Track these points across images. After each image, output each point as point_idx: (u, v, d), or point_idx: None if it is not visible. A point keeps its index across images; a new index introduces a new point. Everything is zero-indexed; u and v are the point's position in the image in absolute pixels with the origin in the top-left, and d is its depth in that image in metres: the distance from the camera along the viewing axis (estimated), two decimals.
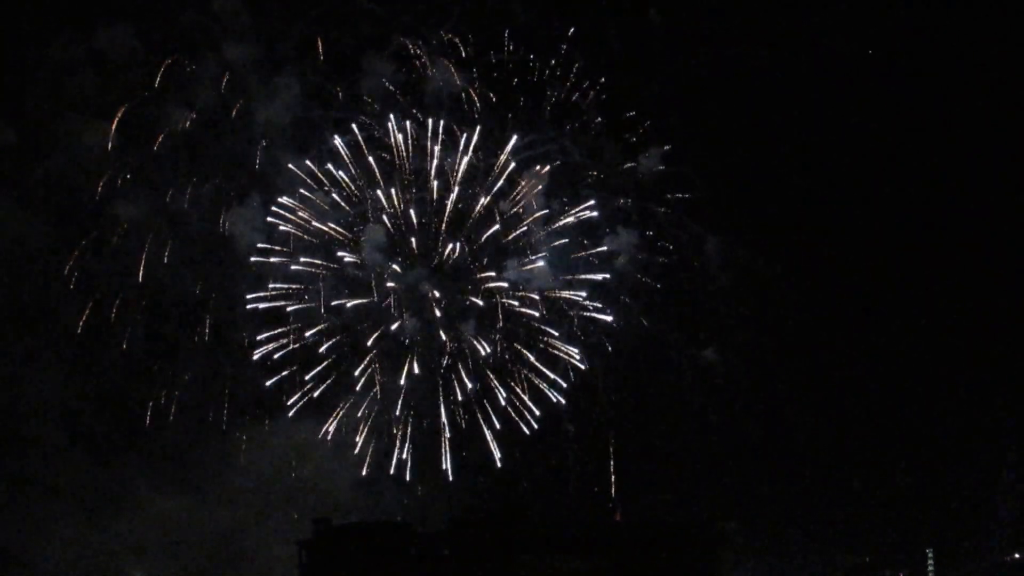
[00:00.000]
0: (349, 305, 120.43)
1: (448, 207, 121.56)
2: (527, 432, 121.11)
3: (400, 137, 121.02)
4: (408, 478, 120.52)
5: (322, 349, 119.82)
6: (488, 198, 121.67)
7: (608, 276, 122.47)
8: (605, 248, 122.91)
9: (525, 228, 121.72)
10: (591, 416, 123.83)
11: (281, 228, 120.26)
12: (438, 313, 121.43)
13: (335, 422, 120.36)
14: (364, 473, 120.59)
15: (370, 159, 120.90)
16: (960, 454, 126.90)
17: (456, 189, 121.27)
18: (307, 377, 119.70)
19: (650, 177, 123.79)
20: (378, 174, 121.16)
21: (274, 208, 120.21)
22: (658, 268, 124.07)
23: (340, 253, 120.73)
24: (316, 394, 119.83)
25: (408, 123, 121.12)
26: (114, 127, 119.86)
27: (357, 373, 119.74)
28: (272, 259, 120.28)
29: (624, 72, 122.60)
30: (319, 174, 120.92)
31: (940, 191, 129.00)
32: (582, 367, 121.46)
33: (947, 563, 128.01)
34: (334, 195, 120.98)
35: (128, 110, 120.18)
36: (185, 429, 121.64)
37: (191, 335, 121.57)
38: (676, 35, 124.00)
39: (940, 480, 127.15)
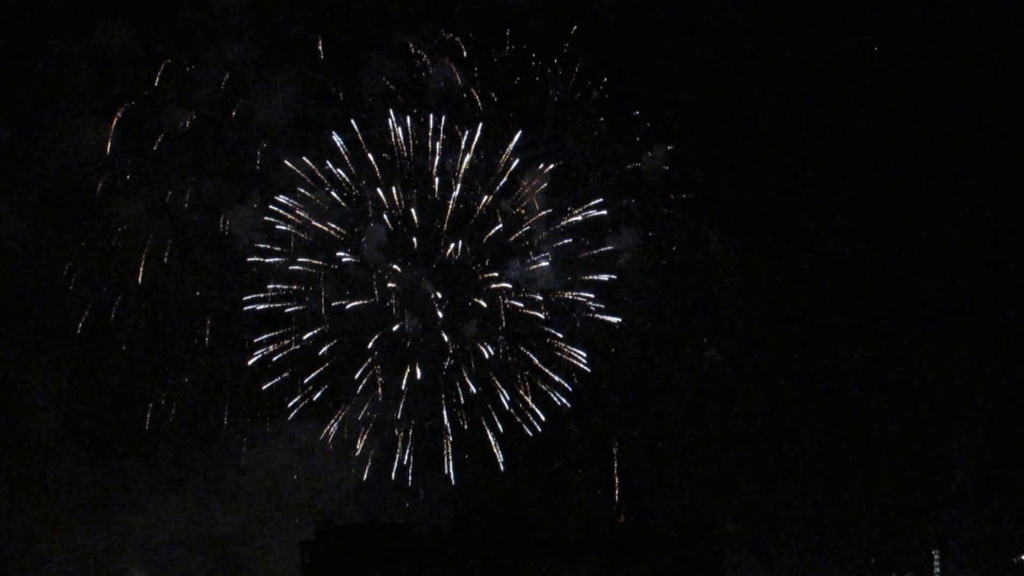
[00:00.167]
0: (349, 306, 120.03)
1: (450, 206, 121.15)
2: (530, 434, 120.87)
3: (401, 136, 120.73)
4: (410, 483, 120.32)
5: (322, 351, 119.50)
6: (490, 197, 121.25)
7: (615, 276, 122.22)
8: (611, 247, 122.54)
9: (528, 228, 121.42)
10: (594, 417, 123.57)
11: (280, 228, 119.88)
12: (440, 314, 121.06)
13: (336, 424, 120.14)
14: (365, 477, 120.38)
15: (370, 158, 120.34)
16: (966, 455, 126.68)
17: (457, 188, 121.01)
18: (306, 380, 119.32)
19: (654, 176, 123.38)
20: (378, 173, 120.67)
21: (271, 207, 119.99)
22: (662, 268, 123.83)
23: (340, 253, 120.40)
24: (316, 397, 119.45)
25: (409, 122, 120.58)
26: (113, 126, 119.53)
27: (357, 376, 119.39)
28: (269, 259, 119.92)
29: (627, 71, 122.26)
30: (319, 173, 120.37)
31: (953, 188, 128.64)
32: (588, 370, 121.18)
33: (953, 565, 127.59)
34: (334, 194, 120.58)
35: (127, 109, 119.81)
36: (185, 430, 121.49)
37: (191, 336, 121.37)
38: (678, 34, 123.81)
39: (946, 481, 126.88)
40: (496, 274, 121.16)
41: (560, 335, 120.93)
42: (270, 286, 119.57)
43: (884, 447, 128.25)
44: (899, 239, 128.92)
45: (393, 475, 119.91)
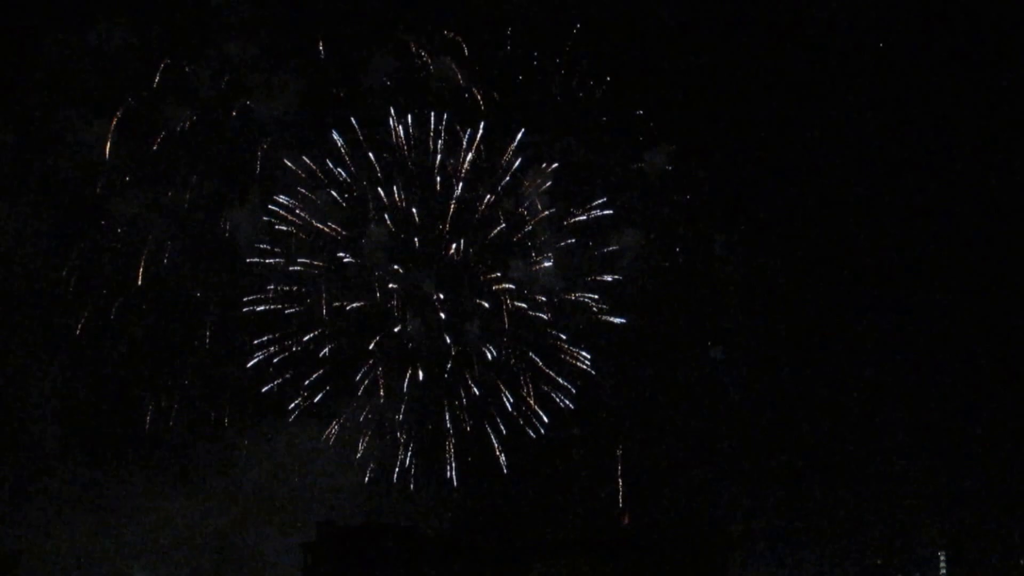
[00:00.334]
0: (350, 307, 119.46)
1: (451, 206, 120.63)
2: (533, 436, 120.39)
3: (402, 135, 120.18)
4: (412, 486, 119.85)
5: (323, 353, 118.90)
6: (492, 197, 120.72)
7: (620, 277, 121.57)
8: (616, 247, 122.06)
9: (530, 228, 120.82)
10: (598, 419, 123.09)
11: (280, 228, 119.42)
12: (442, 315, 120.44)
13: (337, 426, 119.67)
14: (367, 479, 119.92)
15: (371, 157, 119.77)
16: (972, 455, 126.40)
17: (459, 188, 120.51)
18: (307, 382, 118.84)
19: (657, 176, 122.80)
20: (379, 173, 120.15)
21: (271, 207, 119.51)
22: (665, 268, 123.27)
23: (340, 254, 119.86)
24: (317, 399, 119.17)
25: (410, 121, 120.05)
26: (113, 126, 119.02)
27: (359, 377, 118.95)
28: (269, 260, 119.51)
29: (629, 70, 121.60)
30: (319, 173, 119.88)
31: (958, 187, 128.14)
32: (591, 372, 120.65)
33: (959, 566, 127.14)
34: (334, 194, 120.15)
35: (127, 108, 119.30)
36: (186, 431, 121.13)
37: (191, 337, 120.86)
38: (681, 33, 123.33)
39: (953, 482, 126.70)
40: (498, 274, 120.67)
41: (563, 336, 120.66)
42: (270, 287, 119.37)
43: (890, 447, 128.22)
44: (905, 237, 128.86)
45: (395, 477, 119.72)
